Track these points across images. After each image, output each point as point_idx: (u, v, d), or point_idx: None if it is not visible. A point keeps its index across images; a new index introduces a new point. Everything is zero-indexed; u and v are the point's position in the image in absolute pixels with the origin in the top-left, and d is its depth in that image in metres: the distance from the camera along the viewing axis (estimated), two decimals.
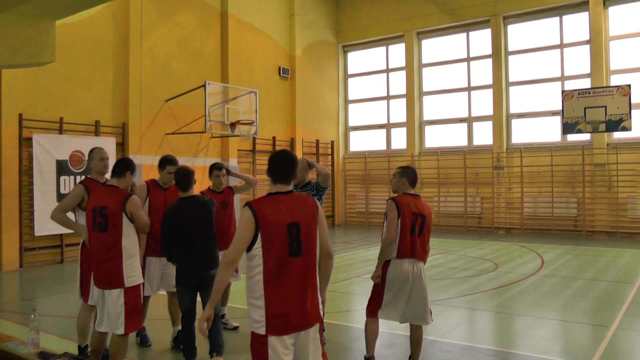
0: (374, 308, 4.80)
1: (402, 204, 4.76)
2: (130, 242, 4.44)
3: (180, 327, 5.50)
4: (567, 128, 15.29)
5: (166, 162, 5.57)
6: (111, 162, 5.05)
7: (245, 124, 14.51)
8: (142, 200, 5.44)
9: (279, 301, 3.05)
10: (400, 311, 4.76)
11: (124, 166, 4.62)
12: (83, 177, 5.47)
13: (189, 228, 4.80)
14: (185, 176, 4.90)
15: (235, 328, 6.24)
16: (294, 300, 3.08)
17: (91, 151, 5.22)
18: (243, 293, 5.84)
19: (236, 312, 6.84)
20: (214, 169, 6.08)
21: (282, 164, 3.19)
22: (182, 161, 14.18)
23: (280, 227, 3.08)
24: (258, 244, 3.05)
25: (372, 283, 4.89)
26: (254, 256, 3.08)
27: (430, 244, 5.23)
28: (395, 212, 4.74)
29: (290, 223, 3.11)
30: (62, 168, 11.54)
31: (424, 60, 19.30)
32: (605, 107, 14.58)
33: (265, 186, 17.21)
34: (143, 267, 5.37)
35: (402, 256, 4.71)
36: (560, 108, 15.51)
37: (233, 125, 14.29)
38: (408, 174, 4.92)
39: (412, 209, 4.77)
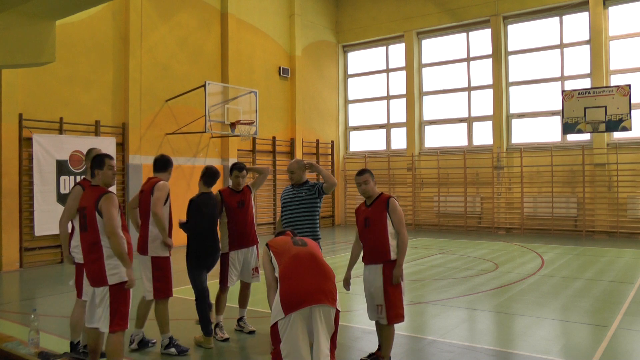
0: (402, 311, 4.81)
1: None
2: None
3: (170, 334, 5.49)
4: (567, 128, 15.29)
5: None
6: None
7: (245, 124, 14.51)
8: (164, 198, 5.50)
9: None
10: None
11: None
12: (82, 178, 5.39)
13: (206, 219, 5.66)
14: (214, 175, 5.83)
15: (252, 332, 6.11)
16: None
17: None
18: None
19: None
20: (234, 169, 6.16)
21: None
22: (182, 161, 14.26)
23: None
24: None
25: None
26: None
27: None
28: (401, 210, 4.91)
29: None
30: (62, 168, 11.54)
31: (424, 60, 19.30)
32: (605, 107, 14.58)
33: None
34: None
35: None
36: (560, 108, 15.51)
37: (233, 125, 14.28)
38: (373, 174, 5.06)
39: None
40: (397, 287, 4.77)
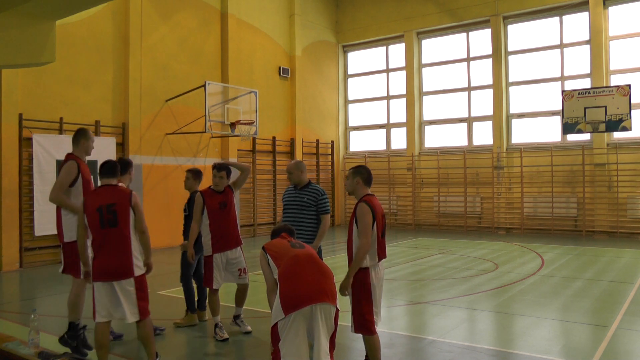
0: (370, 324, 4.32)
1: (374, 207, 4.46)
2: (134, 236, 4.76)
3: None
4: (567, 128, 15.29)
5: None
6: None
7: (245, 124, 14.51)
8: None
9: None
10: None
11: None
12: (69, 153, 5.46)
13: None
14: (198, 175, 6.67)
15: (248, 332, 6.07)
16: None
17: (85, 131, 5.52)
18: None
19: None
20: (213, 169, 6.12)
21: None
22: (182, 161, 14.27)
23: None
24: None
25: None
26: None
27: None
28: (370, 216, 4.37)
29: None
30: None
31: (424, 60, 19.30)
32: (605, 107, 14.58)
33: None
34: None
35: (380, 259, 4.51)
36: (560, 108, 15.52)
37: (233, 125, 14.29)
38: (361, 173, 4.62)
39: (382, 211, 4.57)
40: (357, 294, 4.33)
